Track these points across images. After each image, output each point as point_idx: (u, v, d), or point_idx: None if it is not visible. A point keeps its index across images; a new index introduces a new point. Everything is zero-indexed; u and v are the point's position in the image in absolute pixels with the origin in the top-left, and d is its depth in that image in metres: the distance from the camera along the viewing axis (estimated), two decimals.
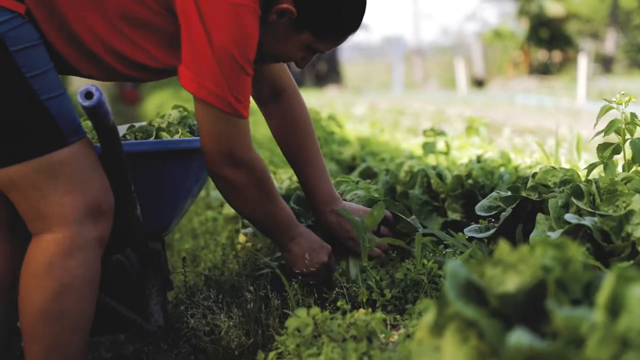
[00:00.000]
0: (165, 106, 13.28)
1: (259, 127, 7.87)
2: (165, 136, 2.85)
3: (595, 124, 2.68)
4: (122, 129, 2.94)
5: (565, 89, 21.33)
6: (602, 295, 1.26)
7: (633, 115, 2.71)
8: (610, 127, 2.70)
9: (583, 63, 16.09)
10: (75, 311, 2.28)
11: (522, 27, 34.54)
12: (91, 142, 2.35)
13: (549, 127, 10.20)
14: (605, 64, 32.27)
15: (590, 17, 34.17)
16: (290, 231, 2.62)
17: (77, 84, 14.28)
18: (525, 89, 24.41)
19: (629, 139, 2.71)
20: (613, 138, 2.77)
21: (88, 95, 2.30)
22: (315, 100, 17.47)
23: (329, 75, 33.16)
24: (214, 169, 2.42)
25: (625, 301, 1.23)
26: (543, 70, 33.64)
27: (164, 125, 2.92)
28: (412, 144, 6.53)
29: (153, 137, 2.85)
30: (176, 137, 2.85)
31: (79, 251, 2.27)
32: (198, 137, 2.77)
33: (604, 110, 2.69)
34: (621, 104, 2.69)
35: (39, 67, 2.26)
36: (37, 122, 2.24)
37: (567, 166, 4.15)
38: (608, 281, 1.28)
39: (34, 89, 2.23)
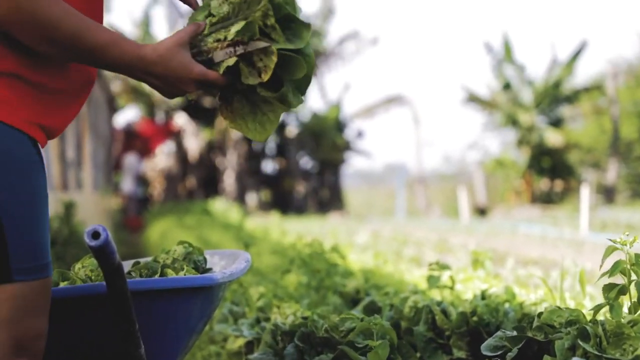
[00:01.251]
0: (168, 234, 13.30)
1: (262, 257, 7.87)
2: (171, 273, 2.85)
3: (601, 266, 2.68)
4: (126, 265, 2.94)
5: (568, 218, 21.38)
6: None
7: (637, 256, 2.71)
8: (616, 268, 2.70)
9: (585, 194, 16.16)
10: None
11: (523, 156, 34.84)
12: (47, 284, 2.19)
13: (552, 258, 10.19)
14: (607, 194, 32.40)
15: (592, 147, 34.48)
16: (135, 61, 2.25)
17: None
18: (527, 217, 24.46)
19: (634, 280, 2.71)
20: (619, 278, 2.77)
21: (95, 235, 2.31)
22: (318, 228, 17.50)
23: (332, 201, 33.29)
24: None
25: None
26: (545, 199, 33.79)
27: (169, 262, 2.93)
28: (416, 276, 6.51)
29: (158, 275, 2.85)
30: (181, 274, 2.85)
31: None
32: (203, 275, 2.77)
33: (609, 252, 2.70)
34: (626, 244, 2.70)
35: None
36: None
37: (572, 303, 4.14)
38: None
39: None
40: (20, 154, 2.14)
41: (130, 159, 22.19)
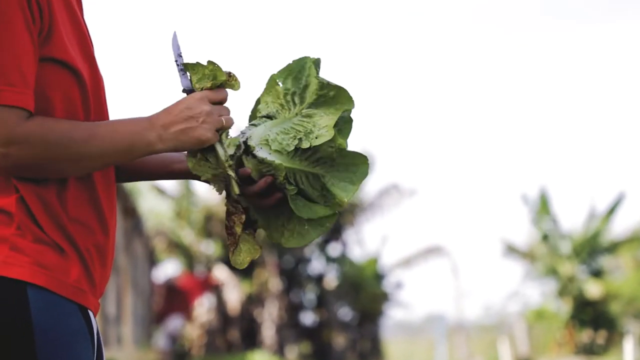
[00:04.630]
0: None
1: None
2: None
3: None
4: None
5: None
6: None
7: None
8: None
9: (629, 345, 15.93)
10: None
11: (565, 307, 34.45)
12: None
13: None
14: None
15: (633, 298, 34.05)
16: (145, 136, 2.16)
17: None
18: None
19: None
20: None
21: None
22: None
23: (372, 353, 32.97)
24: None
25: None
26: (588, 350, 33.20)
27: None
28: None
29: None
30: None
31: None
32: None
33: None
34: None
35: None
36: None
37: None
38: None
39: None
40: (66, 325, 2.11)
41: (174, 321, 22.26)
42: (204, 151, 2.26)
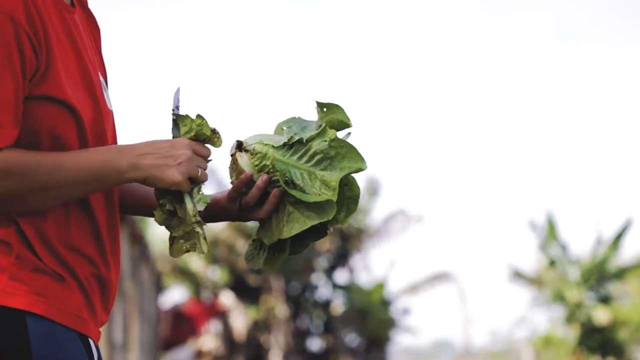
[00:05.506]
0: None
1: None
2: None
3: None
4: None
5: None
6: None
7: None
8: None
9: None
10: None
11: (573, 333, 34.31)
12: None
13: None
14: None
15: None
16: (114, 164, 2.16)
17: None
18: None
19: None
20: None
21: None
22: None
23: None
24: None
25: None
26: None
27: None
28: None
29: None
30: None
31: None
32: None
33: None
34: None
35: None
36: None
37: None
38: None
39: None
40: (65, 353, 2.11)
41: (181, 353, 22.24)
42: (173, 201, 2.26)
